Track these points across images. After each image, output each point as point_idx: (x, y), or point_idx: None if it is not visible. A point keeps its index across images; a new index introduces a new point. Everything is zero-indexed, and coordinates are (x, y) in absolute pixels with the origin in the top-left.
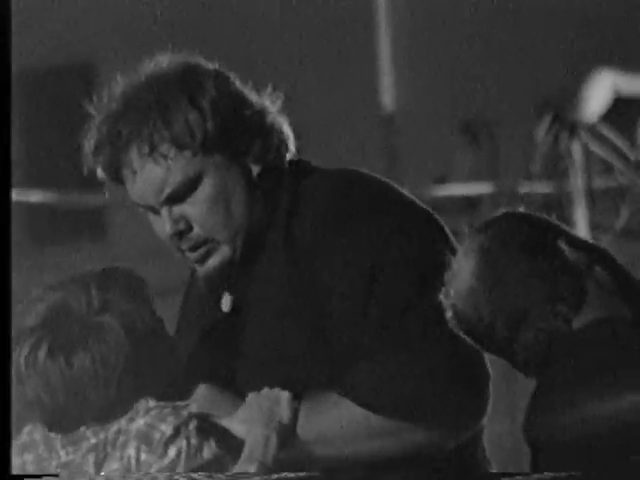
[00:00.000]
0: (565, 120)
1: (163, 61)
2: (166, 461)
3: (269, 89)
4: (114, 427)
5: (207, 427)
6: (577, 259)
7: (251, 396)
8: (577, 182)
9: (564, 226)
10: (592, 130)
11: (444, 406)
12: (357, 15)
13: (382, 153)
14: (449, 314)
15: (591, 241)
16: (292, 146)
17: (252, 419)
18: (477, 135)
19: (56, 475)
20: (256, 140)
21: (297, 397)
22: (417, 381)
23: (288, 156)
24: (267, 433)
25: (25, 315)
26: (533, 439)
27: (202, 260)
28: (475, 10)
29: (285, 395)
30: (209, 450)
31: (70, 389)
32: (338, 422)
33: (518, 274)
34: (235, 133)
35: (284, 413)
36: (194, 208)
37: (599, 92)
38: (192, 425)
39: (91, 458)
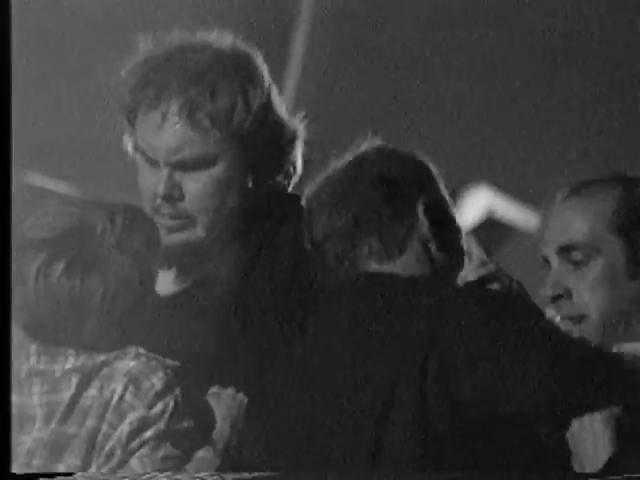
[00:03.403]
0: None
1: (226, 40)
2: (151, 413)
3: (302, 114)
4: (101, 357)
5: (189, 396)
6: (421, 224)
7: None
8: None
9: (442, 197)
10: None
11: None
12: None
13: None
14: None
15: (456, 230)
16: (294, 179)
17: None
18: None
19: (70, 474)
20: (277, 159)
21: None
22: None
23: (289, 189)
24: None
25: (37, 226)
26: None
27: (173, 230)
28: None
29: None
30: (187, 422)
31: (73, 308)
32: None
33: (365, 197)
34: (265, 143)
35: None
36: (196, 183)
37: (474, 207)
38: (177, 390)
39: (75, 379)
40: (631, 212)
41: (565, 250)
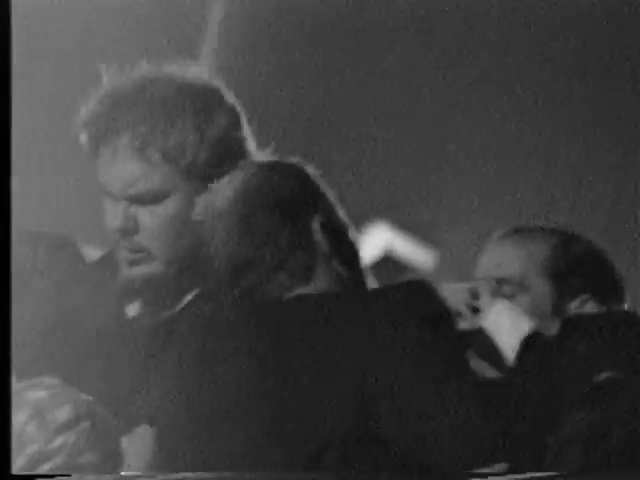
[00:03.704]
0: None
1: (187, 70)
2: (48, 447)
3: (272, 146)
4: (16, 386)
5: (98, 430)
6: (320, 243)
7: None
8: None
9: (333, 208)
10: None
11: None
12: None
13: None
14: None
15: (350, 238)
16: None
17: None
18: None
19: (68, 475)
20: None
21: None
22: None
23: None
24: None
25: None
26: None
27: (134, 264)
28: None
29: None
30: (90, 457)
31: None
32: None
33: (263, 226)
34: (220, 174)
35: None
36: (150, 217)
37: (373, 245)
38: (84, 425)
39: None
40: (563, 263)
41: (497, 283)
